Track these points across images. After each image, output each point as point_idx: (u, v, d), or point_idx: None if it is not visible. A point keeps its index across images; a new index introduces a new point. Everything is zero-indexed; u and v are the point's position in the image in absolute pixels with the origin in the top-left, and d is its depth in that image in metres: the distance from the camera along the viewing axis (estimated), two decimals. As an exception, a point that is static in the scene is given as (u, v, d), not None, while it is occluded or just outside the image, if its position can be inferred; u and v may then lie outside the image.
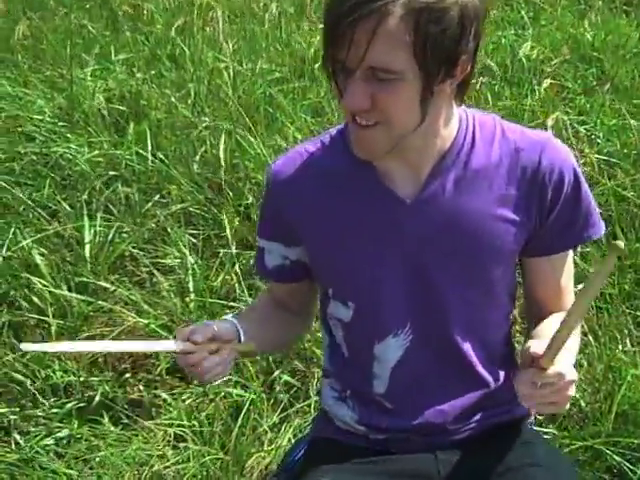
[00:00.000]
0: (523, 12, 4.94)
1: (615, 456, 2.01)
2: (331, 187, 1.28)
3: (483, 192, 1.24)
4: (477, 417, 1.37)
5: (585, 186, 1.28)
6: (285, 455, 1.51)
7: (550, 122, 2.64)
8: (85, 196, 3.10)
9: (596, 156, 3.23)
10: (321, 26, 4.10)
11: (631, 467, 1.99)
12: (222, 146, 3.29)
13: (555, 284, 1.35)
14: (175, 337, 1.20)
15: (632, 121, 3.41)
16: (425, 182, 1.24)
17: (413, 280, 1.27)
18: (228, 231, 2.80)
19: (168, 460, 2.09)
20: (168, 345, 1.19)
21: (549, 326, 1.26)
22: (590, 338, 2.44)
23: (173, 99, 3.80)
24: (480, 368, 1.35)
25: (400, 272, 1.27)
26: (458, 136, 1.24)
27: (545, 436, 1.99)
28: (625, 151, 3.25)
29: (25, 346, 1.12)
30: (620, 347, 2.40)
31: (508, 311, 1.39)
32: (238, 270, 2.66)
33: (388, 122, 1.13)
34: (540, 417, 2.10)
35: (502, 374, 1.39)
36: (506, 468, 1.27)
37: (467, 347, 1.33)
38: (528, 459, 1.29)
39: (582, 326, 2.63)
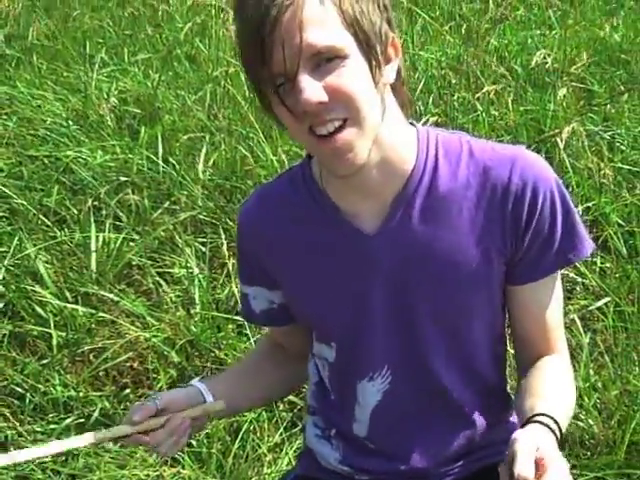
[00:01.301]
0: (550, 12, 4.83)
1: (627, 489, 1.93)
2: (297, 229, 1.22)
3: (452, 219, 1.15)
4: (469, 459, 1.29)
5: (566, 202, 1.16)
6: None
7: (565, 134, 2.54)
8: (95, 202, 3.07)
9: (619, 165, 3.14)
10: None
11: (643, 501, 1.91)
12: (235, 151, 3.25)
13: (541, 316, 1.23)
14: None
15: (658, 129, 3.31)
16: (389, 212, 1.16)
17: (388, 318, 1.19)
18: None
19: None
20: (99, 436, 1.12)
21: (542, 385, 1.18)
22: (606, 359, 2.36)
23: (189, 101, 3.76)
24: (468, 406, 1.27)
25: (374, 310, 1.19)
26: (419, 158, 1.15)
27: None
28: (651, 161, 3.15)
29: None
30: (637, 370, 2.31)
31: (497, 344, 1.28)
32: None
33: (355, 111, 1.03)
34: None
35: (495, 411, 1.31)
36: None
37: (453, 385, 1.24)
38: None
39: (598, 346, 2.57)
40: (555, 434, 1.06)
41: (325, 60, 1.00)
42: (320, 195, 1.19)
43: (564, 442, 2.11)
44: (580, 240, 1.18)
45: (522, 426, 1.08)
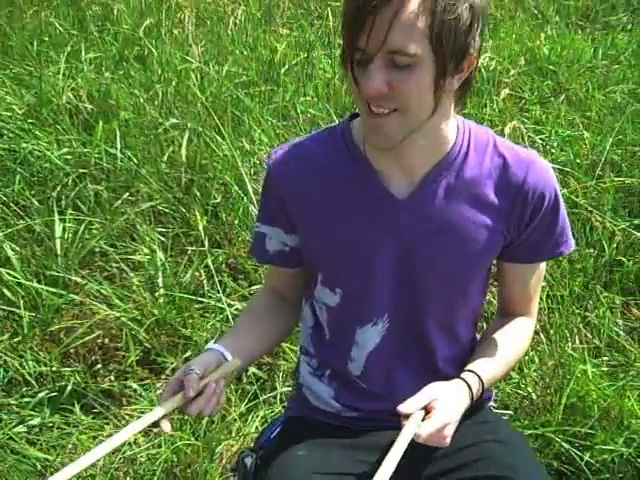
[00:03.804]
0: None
1: (564, 443, 2.14)
2: (329, 181, 1.37)
3: (471, 200, 1.35)
4: None
5: (562, 206, 1.40)
6: (261, 433, 1.58)
7: (507, 130, 2.77)
8: (54, 193, 3.14)
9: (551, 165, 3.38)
10: (286, 31, 4.17)
11: (579, 454, 2.12)
12: (190, 147, 3.37)
13: (525, 289, 1.48)
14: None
15: (585, 132, 3.58)
16: (419, 184, 1.34)
17: (397, 273, 1.38)
18: (201, 227, 2.87)
19: (140, 447, 2.16)
20: (158, 412, 1.23)
21: (491, 346, 1.46)
22: (542, 337, 2.58)
23: (141, 99, 3.86)
24: (447, 362, 1.48)
25: (386, 265, 1.37)
26: (455, 144, 1.34)
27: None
28: (577, 161, 3.41)
29: None
30: (570, 345, 2.54)
31: (478, 307, 1.52)
32: (211, 265, 2.73)
33: (404, 108, 1.21)
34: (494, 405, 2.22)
35: (466, 357, 1.50)
36: (468, 443, 1.38)
37: (436, 339, 1.45)
38: (487, 435, 1.42)
39: (535, 325, 2.80)
40: (472, 391, 1.35)
41: (400, 59, 1.16)
42: (359, 155, 1.36)
43: (507, 407, 2.33)
44: (569, 238, 1.44)
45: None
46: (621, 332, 2.63)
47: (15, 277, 2.60)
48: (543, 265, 1.49)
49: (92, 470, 2.06)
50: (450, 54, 1.18)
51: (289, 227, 1.44)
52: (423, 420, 1.28)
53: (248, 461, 1.48)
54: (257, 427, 2.25)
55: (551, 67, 4.52)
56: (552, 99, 4.05)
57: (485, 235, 1.37)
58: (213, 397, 1.28)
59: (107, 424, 2.26)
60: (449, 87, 1.24)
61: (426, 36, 1.15)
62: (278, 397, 2.36)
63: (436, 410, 1.28)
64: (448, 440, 1.30)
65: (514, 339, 1.49)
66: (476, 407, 1.46)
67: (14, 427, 2.23)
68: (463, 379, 1.38)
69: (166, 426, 1.23)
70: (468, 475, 1.36)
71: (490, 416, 1.54)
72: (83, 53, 4.09)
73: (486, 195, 1.35)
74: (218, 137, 3.40)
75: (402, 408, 1.26)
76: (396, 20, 1.13)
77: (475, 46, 1.21)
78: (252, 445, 1.57)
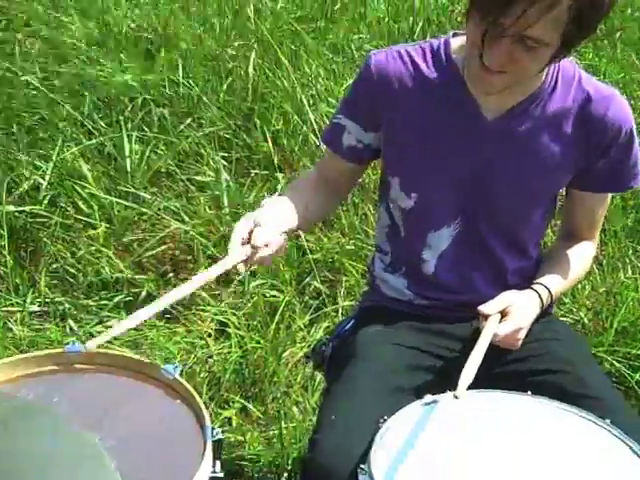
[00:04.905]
0: None
1: (615, 362, 2.24)
2: (422, 89, 1.46)
3: (552, 130, 1.45)
4: None
5: (637, 142, 1.48)
6: (336, 326, 1.68)
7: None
8: (120, 117, 3.24)
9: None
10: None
11: (630, 373, 2.22)
12: (251, 74, 3.44)
13: (591, 216, 1.59)
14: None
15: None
16: (508, 111, 1.44)
17: (474, 183, 1.47)
18: (271, 146, 2.99)
19: (211, 348, 2.29)
20: (230, 261, 1.27)
21: (557, 263, 1.58)
22: (594, 266, 2.65)
23: (199, 31, 3.93)
24: (513, 270, 1.57)
25: (465, 175, 1.47)
26: (545, 80, 1.43)
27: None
28: (632, 102, 3.44)
29: (90, 345, 1.16)
30: (622, 274, 2.62)
31: (541, 229, 1.62)
32: (282, 182, 2.84)
33: (515, 73, 1.30)
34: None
35: (530, 270, 1.60)
36: (529, 340, 1.48)
37: (502, 251, 1.55)
38: (547, 333, 1.54)
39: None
40: (542, 301, 1.48)
41: (531, 43, 1.23)
42: (457, 74, 1.45)
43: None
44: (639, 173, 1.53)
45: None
46: (672, 264, 2.70)
47: (92, 190, 2.72)
48: (609, 196, 1.58)
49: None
50: (578, 41, 1.27)
51: (370, 125, 1.51)
52: (500, 322, 1.40)
53: (324, 348, 1.59)
54: (321, 336, 2.37)
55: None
56: (605, 42, 4.05)
57: (560, 161, 1.46)
58: (278, 250, 1.34)
59: (179, 327, 2.40)
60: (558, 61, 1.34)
61: (563, 27, 1.22)
62: (340, 311, 2.47)
63: (512, 314, 1.41)
64: (519, 343, 1.44)
65: (579, 259, 1.60)
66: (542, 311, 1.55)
67: (94, 326, 2.38)
68: (535, 290, 1.50)
69: (242, 267, 1.29)
70: (526, 368, 1.48)
71: (552, 319, 1.64)
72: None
73: (566, 125, 1.45)
74: (277, 68, 3.47)
75: (483, 309, 1.41)
76: (547, 15, 1.19)
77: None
78: (328, 337, 1.66)
